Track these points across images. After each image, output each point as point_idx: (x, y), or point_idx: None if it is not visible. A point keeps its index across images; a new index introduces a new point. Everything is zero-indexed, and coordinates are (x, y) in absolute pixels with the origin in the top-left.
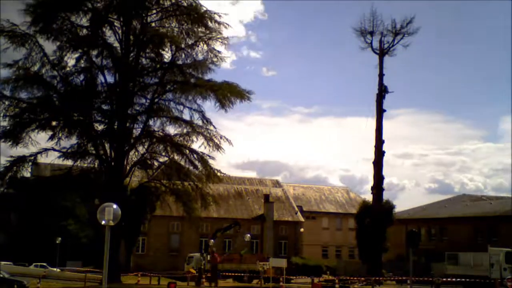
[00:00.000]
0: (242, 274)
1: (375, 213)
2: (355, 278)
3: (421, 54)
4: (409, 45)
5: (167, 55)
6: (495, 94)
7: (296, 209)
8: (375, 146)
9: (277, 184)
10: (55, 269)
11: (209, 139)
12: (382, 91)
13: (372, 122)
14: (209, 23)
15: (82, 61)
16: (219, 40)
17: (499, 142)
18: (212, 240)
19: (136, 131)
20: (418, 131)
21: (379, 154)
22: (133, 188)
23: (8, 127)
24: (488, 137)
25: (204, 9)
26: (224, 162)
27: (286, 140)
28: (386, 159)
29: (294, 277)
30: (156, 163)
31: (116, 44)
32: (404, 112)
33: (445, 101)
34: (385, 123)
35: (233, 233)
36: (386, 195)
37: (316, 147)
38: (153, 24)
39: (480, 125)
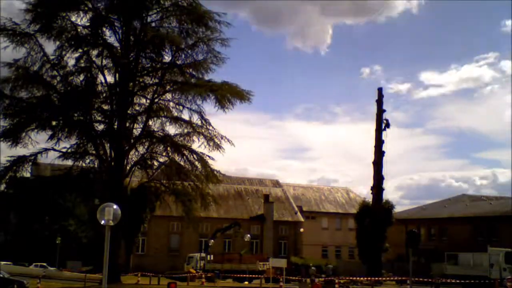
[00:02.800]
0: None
1: (375, 213)
2: (355, 278)
3: None
4: None
5: (167, 55)
6: None
7: (296, 209)
8: (374, 146)
9: (277, 184)
10: (53, 268)
11: (209, 139)
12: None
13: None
14: (209, 22)
15: (82, 61)
16: (219, 41)
17: None
18: (212, 240)
19: (136, 131)
20: None
21: (379, 154)
22: (133, 188)
23: (7, 127)
24: None
25: (204, 8)
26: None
27: None
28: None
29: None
30: (156, 163)
31: (116, 44)
32: None
33: None
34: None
35: (233, 233)
36: None
37: None
38: (153, 24)
39: None
